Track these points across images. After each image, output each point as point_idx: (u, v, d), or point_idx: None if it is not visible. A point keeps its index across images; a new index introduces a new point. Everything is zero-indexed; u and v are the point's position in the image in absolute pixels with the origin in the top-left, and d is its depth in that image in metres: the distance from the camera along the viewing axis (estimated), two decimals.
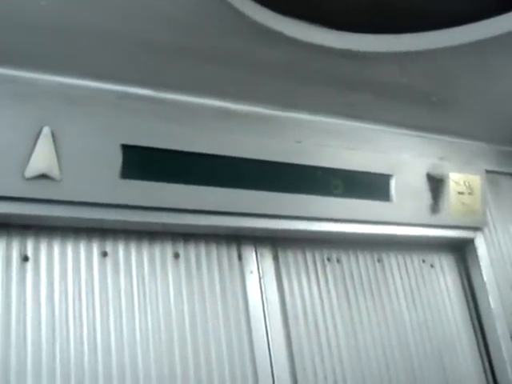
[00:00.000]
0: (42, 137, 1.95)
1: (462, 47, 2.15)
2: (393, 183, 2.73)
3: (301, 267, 2.58)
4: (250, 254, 2.48)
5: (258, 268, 2.47)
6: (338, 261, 2.70)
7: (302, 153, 2.54)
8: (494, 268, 3.01)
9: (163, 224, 2.22)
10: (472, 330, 2.96)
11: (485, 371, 2.91)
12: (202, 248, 2.38)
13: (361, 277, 2.74)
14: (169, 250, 2.31)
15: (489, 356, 2.92)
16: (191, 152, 2.27)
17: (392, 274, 2.84)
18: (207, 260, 2.38)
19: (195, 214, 2.25)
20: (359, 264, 2.76)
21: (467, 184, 2.94)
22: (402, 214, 2.74)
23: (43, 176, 1.94)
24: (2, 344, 1.90)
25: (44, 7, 1.74)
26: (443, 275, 3.00)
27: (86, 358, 2.01)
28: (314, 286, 2.58)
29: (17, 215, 1.95)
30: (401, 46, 2.19)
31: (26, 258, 2.02)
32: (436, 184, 2.84)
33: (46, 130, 1.97)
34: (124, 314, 2.13)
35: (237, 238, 2.47)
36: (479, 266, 2.98)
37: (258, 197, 2.38)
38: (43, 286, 2.02)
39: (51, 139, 1.97)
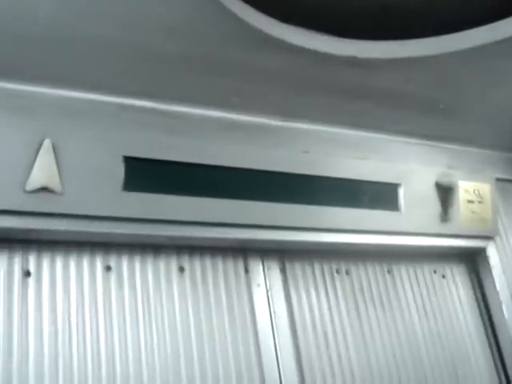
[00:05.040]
0: (42, 149, 1.93)
1: (468, 52, 2.11)
2: (401, 192, 2.69)
3: (309, 279, 2.54)
4: (256, 267, 2.44)
5: (266, 281, 2.43)
6: (347, 273, 2.66)
7: (309, 163, 2.50)
8: (506, 277, 2.95)
9: (167, 237, 2.18)
10: (486, 341, 2.91)
11: (500, 382, 2.84)
12: (208, 261, 2.35)
13: (371, 288, 2.69)
14: (174, 263, 2.27)
15: (504, 366, 2.86)
16: (195, 163, 2.24)
17: (402, 286, 2.79)
18: (213, 273, 2.34)
19: (200, 227, 2.21)
20: (369, 275, 2.71)
21: (477, 192, 2.90)
22: (411, 223, 2.69)
23: (44, 189, 1.91)
24: (4, 360, 1.87)
25: (43, 18, 1.71)
26: (455, 285, 2.95)
27: (89, 374, 1.97)
28: (322, 299, 2.54)
29: (18, 229, 1.92)
30: (406, 52, 2.15)
31: (28, 273, 1.99)
32: (445, 193, 2.80)
33: (47, 143, 1.94)
34: (128, 330, 2.09)
35: (243, 251, 2.43)
36: (491, 276, 2.93)
37: (265, 208, 2.34)
38: (45, 301, 1.99)
39: (52, 152, 1.94)
